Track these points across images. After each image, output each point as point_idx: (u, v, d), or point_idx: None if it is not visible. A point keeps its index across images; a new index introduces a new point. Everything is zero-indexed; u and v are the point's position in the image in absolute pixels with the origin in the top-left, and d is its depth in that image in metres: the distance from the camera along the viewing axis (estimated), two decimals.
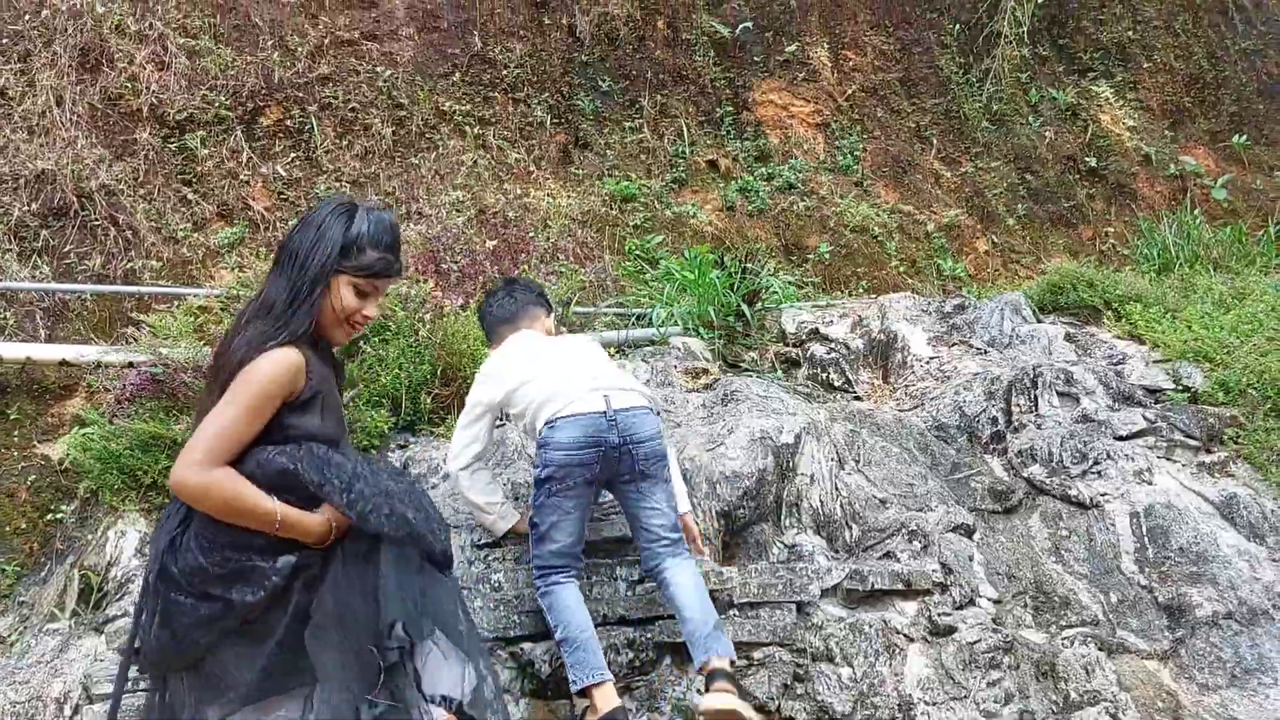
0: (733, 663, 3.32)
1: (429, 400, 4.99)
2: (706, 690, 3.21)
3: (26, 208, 6.21)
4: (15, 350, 5.37)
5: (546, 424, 3.47)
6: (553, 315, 4.09)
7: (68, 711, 3.50)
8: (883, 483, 4.52)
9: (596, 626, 3.60)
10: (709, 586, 3.74)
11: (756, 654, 3.68)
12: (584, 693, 3.29)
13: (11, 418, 5.43)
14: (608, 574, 3.81)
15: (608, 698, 3.24)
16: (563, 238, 7.43)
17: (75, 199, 6.32)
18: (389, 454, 4.81)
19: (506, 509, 3.83)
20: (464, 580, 3.76)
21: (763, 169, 8.61)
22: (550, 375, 3.57)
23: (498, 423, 4.84)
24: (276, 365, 2.29)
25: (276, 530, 2.24)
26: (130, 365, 5.22)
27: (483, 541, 3.94)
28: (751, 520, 4.21)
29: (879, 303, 6.40)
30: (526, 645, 3.51)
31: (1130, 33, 10.18)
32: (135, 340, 5.24)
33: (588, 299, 6.89)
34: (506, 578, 3.75)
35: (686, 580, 3.42)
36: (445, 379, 5.04)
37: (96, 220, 6.35)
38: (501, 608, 3.59)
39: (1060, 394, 4.96)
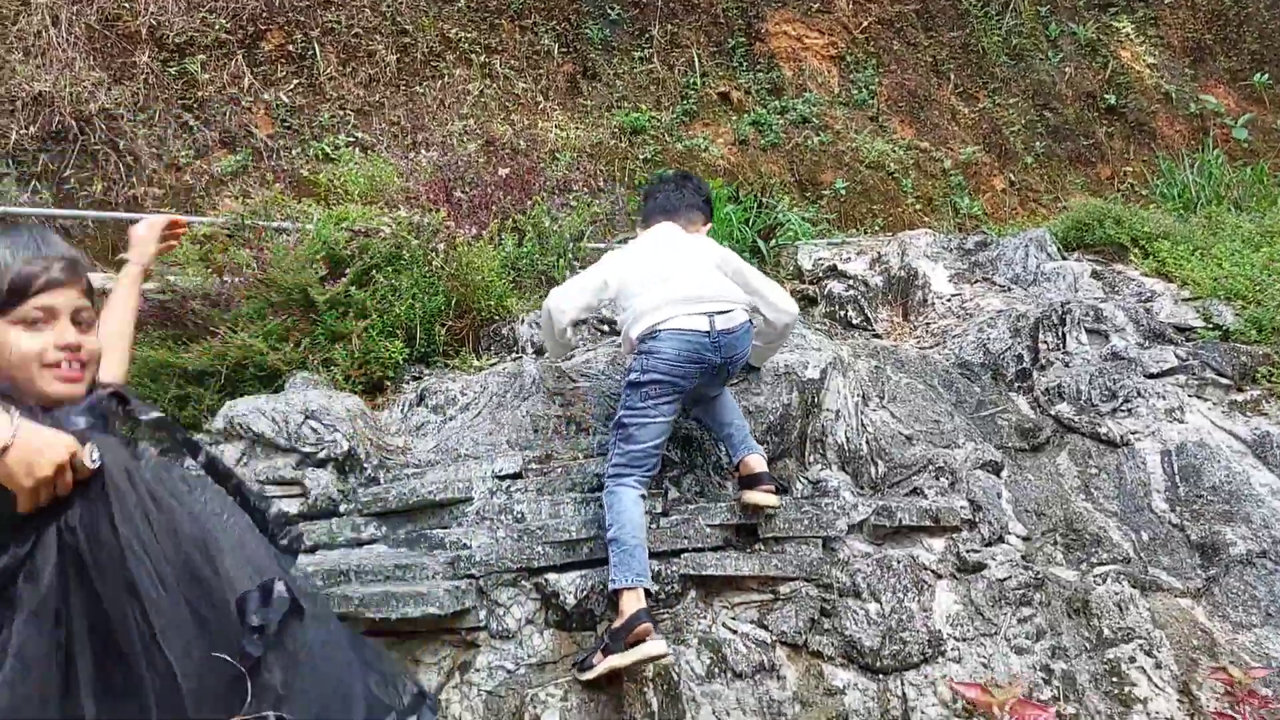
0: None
1: (443, 332, 4.87)
2: (750, 488, 3.63)
3: (24, 130, 6.04)
4: None
5: (650, 333, 3.52)
6: (709, 226, 4.13)
7: None
8: (908, 419, 4.43)
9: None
10: (733, 521, 3.69)
11: (783, 588, 3.61)
12: (616, 595, 3.30)
13: None
14: None
15: (638, 601, 3.25)
16: (572, 170, 7.26)
17: (74, 122, 6.15)
18: (404, 385, 4.70)
19: (567, 349, 4.27)
20: (485, 511, 3.69)
21: (776, 102, 8.42)
22: (662, 284, 3.60)
23: (516, 356, 4.75)
24: None
25: None
26: None
27: (504, 472, 3.85)
28: (775, 456, 4.12)
29: (898, 239, 6.27)
30: (551, 576, 3.43)
31: None
32: None
33: (599, 234, 6.75)
34: (529, 508, 3.66)
35: (726, 399, 3.80)
36: (459, 311, 4.92)
37: (96, 145, 6.18)
38: (525, 538, 3.51)
39: (1089, 331, 4.86)
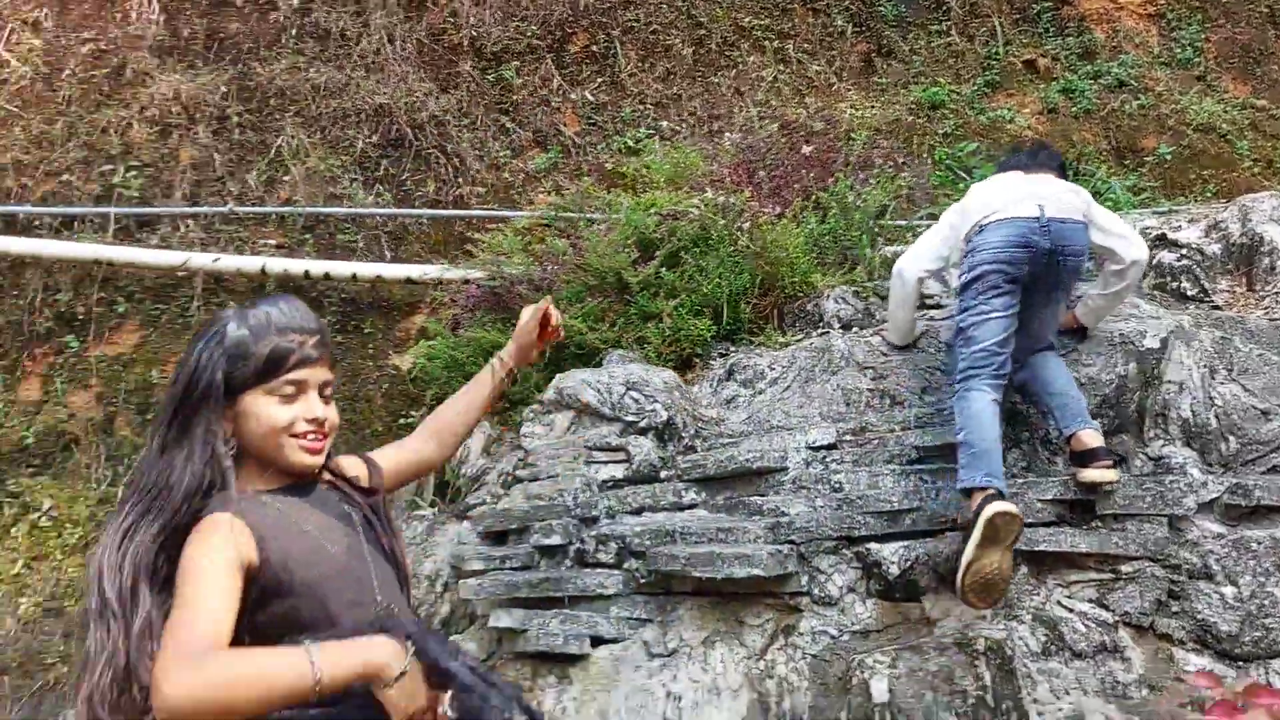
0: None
1: (748, 309, 4.95)
2: (1084, 464, 3.40)
3: (368, 140, 6.71)
4: (367, 269, 5.83)
5: (977, 228, 3.55)
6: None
7: (439, 587, 3.77)
8: (1263, 393, 4.02)
9: (946, 531, 3.47)
10: (1067, 496, 3.51)
11: (1125, 567, 3.39)
12: (967, 495, 3.28)
13: (365, 332, 5.92)
14: (953, 479, 3.61)
15: (992, 501, 3.13)
16: (869, 149, 7.16)
17: (409, 130, 6.75)
18: (712, 361, 4.82)
19: (911, 332, 4.15)
20: (802, 481, 3.71)
21: (1088, 67, 7.90)
22: (994, 190, 3.67)
23: (822, 331, 4.74)
24: (206, 542, 1.63)
25: (318, 689, 1.46)
26: (467, 281, 5.54)
27: (818, 443, 3.87)
28: (1110, 430, 3.86)
29: (1238, 204, 5.69)
30: (873, 546, 3.41)
31: None
32: (472, 256, 5.54)
33: (900, 211, 6.61)
34: (847, 479, 3.65)
35: (1057, 364, 3.63)
36: (764, 288, 4.98)
37: (428, 149, 6.76)
38: (844, 507, 3.50)
39: None
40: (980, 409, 3.37)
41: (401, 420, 5.59)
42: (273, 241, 6.12)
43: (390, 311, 5.95)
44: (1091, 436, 3.45)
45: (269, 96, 6.73)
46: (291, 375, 1.77)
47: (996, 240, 3.47)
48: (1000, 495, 3.18)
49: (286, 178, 6.42)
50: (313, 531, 1.75)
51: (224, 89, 6.66)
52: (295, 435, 1.76)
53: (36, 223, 6.21)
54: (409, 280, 5.77)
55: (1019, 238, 3.44)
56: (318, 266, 5.66)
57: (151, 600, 1.63)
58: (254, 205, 6.24)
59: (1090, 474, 3.43)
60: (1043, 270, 3.48)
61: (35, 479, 5.65)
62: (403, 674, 1.50)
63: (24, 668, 5.10)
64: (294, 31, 7.02)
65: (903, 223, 6.50)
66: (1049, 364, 3.63)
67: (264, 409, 1.74)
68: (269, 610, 1.65)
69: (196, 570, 1.57)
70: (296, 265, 5.69)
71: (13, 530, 5.51)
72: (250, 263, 5.74)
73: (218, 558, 1.59)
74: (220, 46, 6.92)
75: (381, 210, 6.25)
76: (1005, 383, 3.50)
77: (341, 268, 5.70)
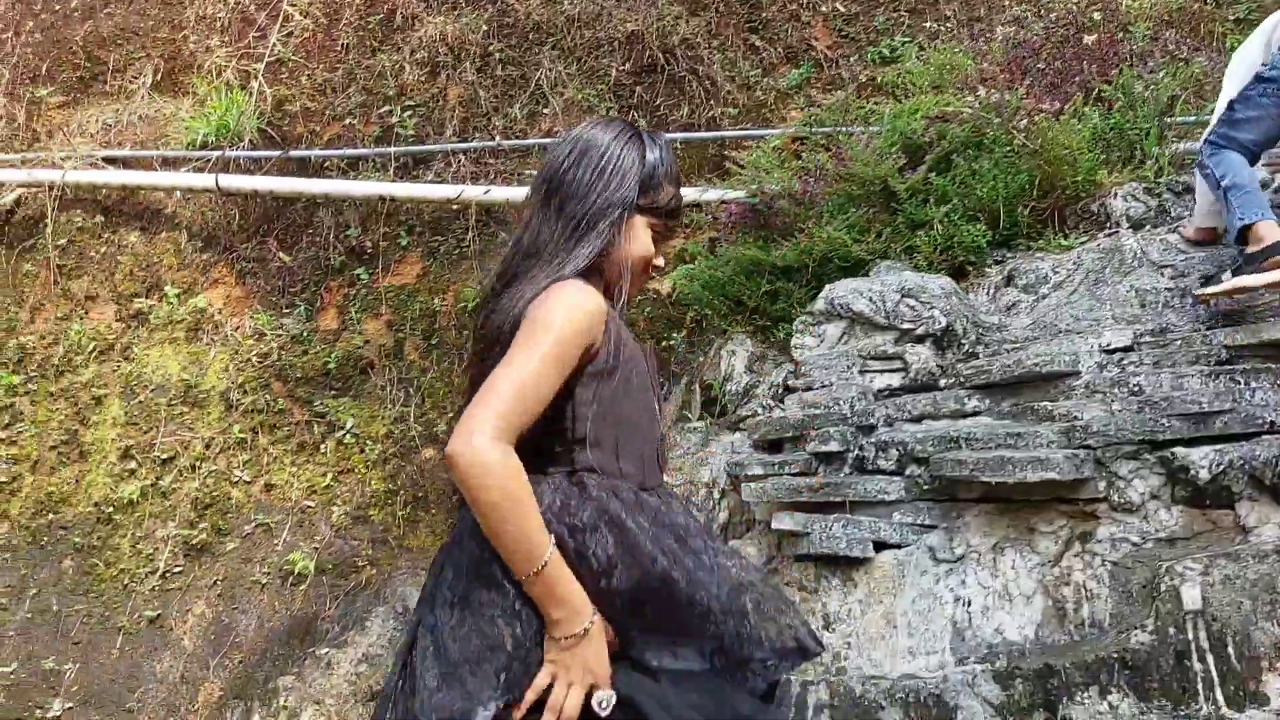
0: None
1: (1026, 213, 4.72)
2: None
3: (622, 67, 6.81)
4: None
5: None
6: None
7: (715, 494, 3.88)
8: None
9: (1263, 434, 3.22)
10: None
11: None
12: (1247, 230, 3.52)
13: None
14: (1270, 379, 3.35)
15: (1274, 231, 3.45)
16: (1150, 41, 6.58)
17: (661, 55, 6.80)
18: (988, 268, 4.64)
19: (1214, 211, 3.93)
20: (1096, 385, 3.54)
21: None
22: None
23: (1111, 231, 4.47)
24: (573, 301, 1.66)
25: (535, 575, 1.52)
26: (724, 201, 5.57)
27: (1113, 345, 3.66)
28: None
29: None
30: (1179, 450, 3.21)
31: None
32: (729, 176, 5.56)
33: (1188, 107, 6.07)
34: (1147, 380, 3.45)
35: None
36: (1043, 190, 4.72)
37: (680, 73, 6.79)
38: (1146, 409, 3.31)
39: None
40: (1236, 159, 3.64)
41: (664, 342, 5.72)
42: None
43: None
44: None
45: (527, 31, 6.95)
46: (671, 221, 1.91)
47: None
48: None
49: (546, 110, 6.64)
50: (635, 349, 1.81)
51: (485, 27, 6.94)
52: (647, 270, 1.88)
53: (326, 165, 6.74)
54: None
55: None
56: None
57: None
58: (518, 138, 6.50)
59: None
60: None
61: (338, 400, 6.20)
62: (583, 632, 1.53)
63: (339, 569, 5.66)
64: None
65: (1192, 118, 5.97)
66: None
67: (645, 236, 1.83)
68: (591, 391, 1.70)
69: (553, 326, 1.61)
70: None
71: (321, 447, 6.08)
72: (518, 193, 5.99)
73: (572, 330, 1.62)
74: None
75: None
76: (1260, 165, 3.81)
77: None
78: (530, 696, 1.52)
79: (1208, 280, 3.70)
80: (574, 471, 1.69)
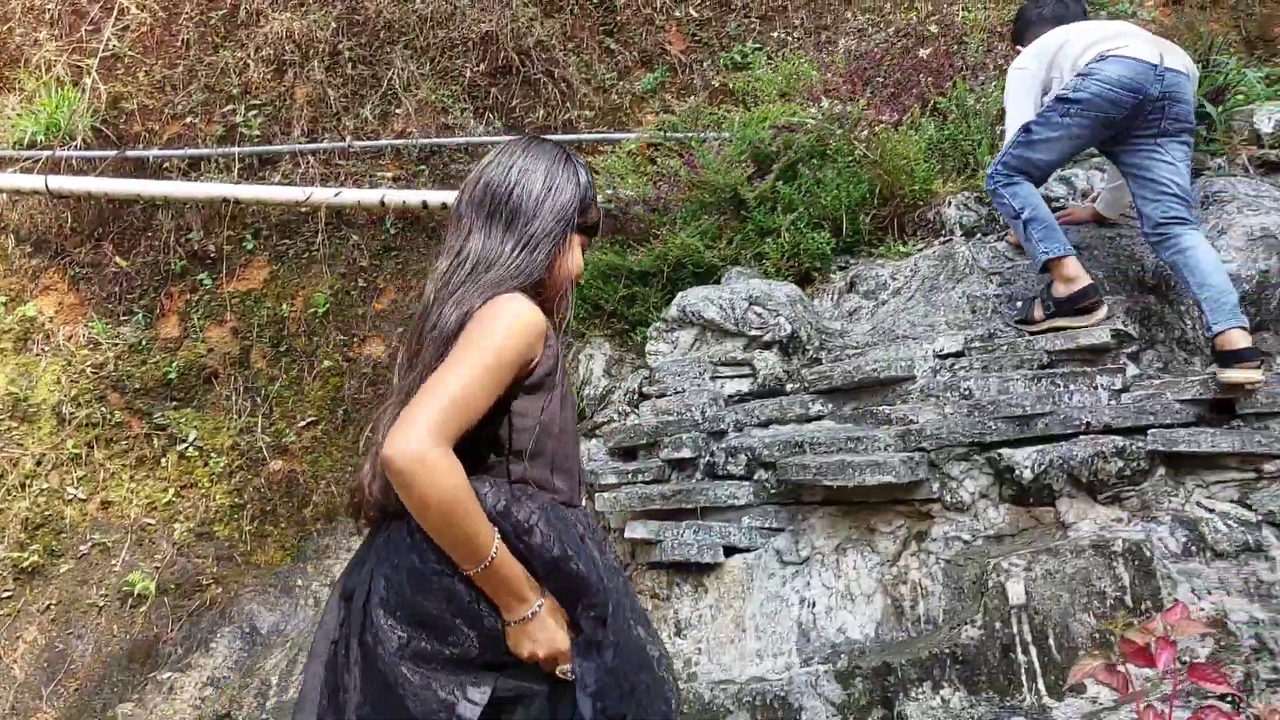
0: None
1: (868, 220, 4.90)
2: (1227, 365, 3.38)
3: (476, 68, 6.75)
4: None
5: (1098, 56, 3.63)
6: None
7: None
8: None
9: (1079, 434, 3.44)
10: (1207, 395, 3.43)
11: (1268, 466, 3.31)
12: (1052, 265, 3.70)
13: None
14: (1086, 383, 3.58)
15: (1080, 270, 3.67)
16: (983, 53, 6.91)
17: (516, 57, 6.77)
18: (832, 274, 4.80)
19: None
20: (930, 389, 3.71)
21: None
22: (1101, 27, 3.85)
23: (945, 239, 4.67)
24: (517, 313, 1.71)
25: (485, 569, 1.60)
26: None
27: (946, 350, 3.84)
28: (1252, 328, 3.75)
29: None
30: (1005, 451, 3.40)
31: None
32: None
33: None
34: (976, 384, 3.63)
35: (1207, 249, 3.53)
36: (883, 198, 4.91)
37: (535, 75, 6.78)
38: (975, 413, 3.49)
39: None
40: (1031, 190, 3.76)
41: None
42: (389, 174, 6.25)
43: None
44: (1240, 337, 3.39)
45: (378, 30, 6.81)
46: (594, 237, 2.04)
47: (1111, 74, 3.57)
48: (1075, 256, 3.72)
49: (399, 110, 6.53)
50: (566, 373, 1.91)
51: (334, 25, 6.77)
52: (576, 284, 1.99)
53: (166, 165, 6.46)
54: None
55: (1131, 80, 3.56)
56: (435, 197, 5.77)
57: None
58: (370, 139, 6.37)
59: (1233, 374, 3.36)
60: (1144, 117, 3.61)
61: (180, 411, 5.96)
62: (532, 615, 1.65)
63: (181, 589, 5.44)
64: None
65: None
66: (1199, 250, 3.51)
67: (578, 252, 1.95)
68: (529, 404, 1.76)
69: (495, 336, 1.67)
70: (414, 196, 5.81)
71: (162, 461, 5.84)
72: (369, 195, 5.88)
73: (514, 342, 1.68)
74: None
75: (493, 138, 6.32)
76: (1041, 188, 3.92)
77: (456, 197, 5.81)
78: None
79: (1024, 306, 3.91)
80: (511, 483, 1.75)
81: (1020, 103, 3.85)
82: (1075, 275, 3.67)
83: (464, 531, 1.57)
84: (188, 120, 6.65)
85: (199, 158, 6.40)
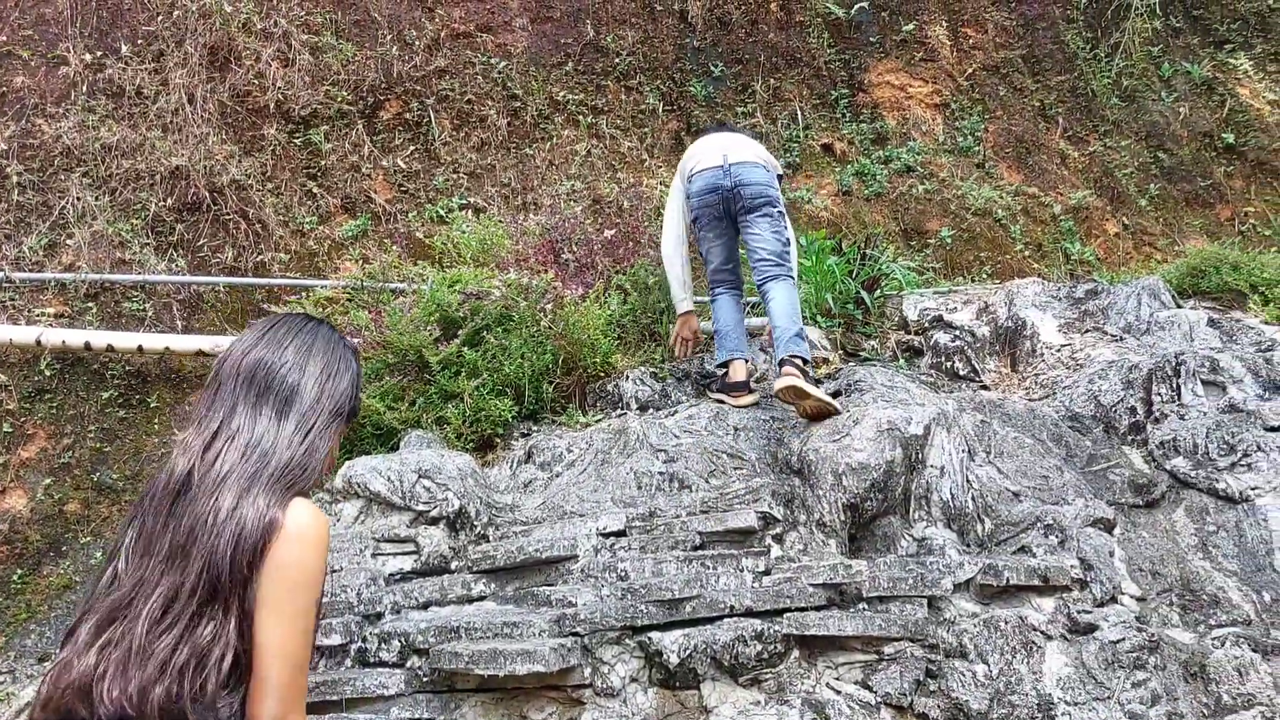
0: (805, 361, 4.41)
1: (551, 389, 5.02)
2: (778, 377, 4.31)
3: (163, 203, 6.46)
4: (155, 341, 5.59)
5: (689, 178, 4.92)
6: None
7: None
8: (1016, 475, 4.37)
9: (724, 618, 3.59)
10: (836, 579, 3.70)
11: (887, 649, 3.59)
12: (726, 365, 4.90)
13: (151, 405, 5.67)
14: (733, 565, 3.77)
15: (741, 371, 4.85)
16: (657, 233, 7.40)
17: (208, 194, 6.55)
18: (513, 442, 4.86)
19: (687, 297, 5.19)
20: (590, 569, 3.78)
21: (880, 152, 8.42)
22: (694, 149, 5.08)
23: (621, 413, 4.84)
24: (323, 539, 1.75)
25: None
26: None
27: (608, 529, 3.94)
28: (879, 513, 4.11)
29: (1006, 288, 6.19)
30: (655, 635, 3.49)
31: (1270, 2, 9.60)
32: None
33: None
34: (633, 566, 3.74)
35: (782, 297, 4.63)
36: (566, 368, 5.07)
37: (228, 215, 6.57)
38: (628, 596, 3.58)
39: (1205, 382, 4.71)
40: (722, 304, 5.01)
41: None
42: (52, 310, 5.78)
43: (180, 384, 5.71)
44: (791, 359, 4.36)
45: (54, 155, 6.39)
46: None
47: (697, 186, 4.85)
48: (742, 359, 4.90)
49: (70, 241, 6.10)
50: None
51: (4, 146, 6.30)
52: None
53: None
54: (201, 352, 5.56)
55: (709, 183, 4.79)
56: (100, 338, 5.38)
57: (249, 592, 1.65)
58: (32, 271, 5.89)
59: (779, 382, 4.23)
60: (732, 202, 4.77)
61: None
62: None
63: None
64: (85, 88, 6.71)
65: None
66: (778, 294, 4.63)
67: (337, 440, 1.94)
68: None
69: (315, 585, 1.71)
70: (76, 336, 5.39)
71: None
72: (24, 333, 5.39)
73: (324, 568, 1.74)
74: (2, 101, 6.55)
75: (172, 277, 6.02)
76: (741, 288, 5.12)
77: (126, 339, 5.44)
78: None
79: (706, 387, 5.11)
80: None
81: (670, 206, 5.26)
82: (734, 372, 4.85)
83: None
84: None
85: None
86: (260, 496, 1.69)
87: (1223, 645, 3.69)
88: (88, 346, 5.40)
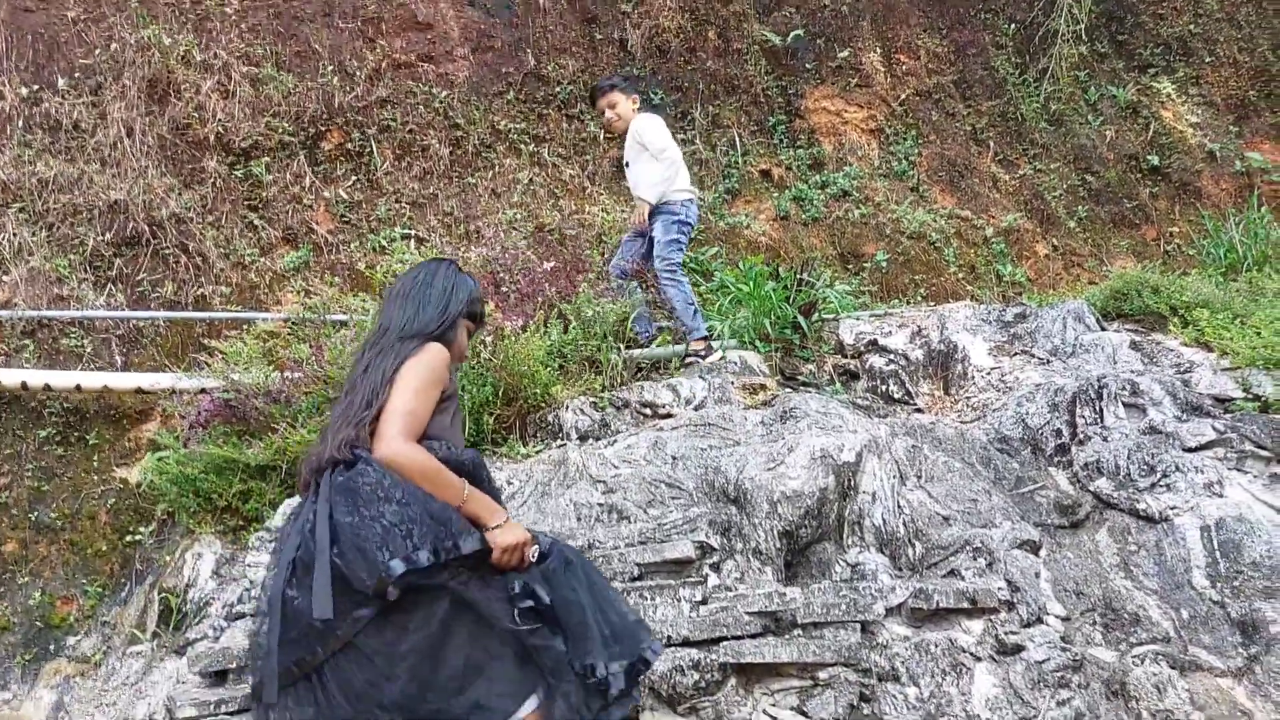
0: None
1: (491, 420, 5.07)
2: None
3: (101, 237, 6.42)
4: (93, 379, 5.55)
5: (686, 190, 6.23)
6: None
7: None
8: (946, 499, 4.50)
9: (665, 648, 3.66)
10: (772, 607, 3.78)
11: (822, 674, 3.68)
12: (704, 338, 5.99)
13: (90, 443, 5.63)
14: (671, 596, 3.84)
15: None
16: (601, 267, 7.48)
17: (147, 228, 6.52)
18: None
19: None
20: None
21: (816, 177, 8.59)
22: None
23: (561, 444, 4.91)
24: (439, 354, 2.75)
25: (465, 501, 2.59)
26: (203, 391, 5.38)
27: None
28: (813, 539, 4.21)
29: (938, 312, 6.36)
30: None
31: (1192, 26, 9.95)
32: (208, 366, 5.40)
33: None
34: None
35: (676, 290, 5.94)
36: (507, 399, 5.12)
37: (167, 248, 6.54)
38: None
39: (1126, 405, 4.89)
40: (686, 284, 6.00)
41: (129, 537, 5.33)
42: None
43: (119, 420, 5.68)
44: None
45: None
46: (479, 325, 3.14)
47: (695, 213, 6.30)
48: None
49: (7, 278, 6.04)
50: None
51: None
52: (463, 355, 3.07)
53: None
54: (139, 390, 5.53)
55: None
56: (36, 377, 5.33)
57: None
58: None
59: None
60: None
61: None
62: (505, 521, 2.65)
63: None
64: (21, 122, 6.66)
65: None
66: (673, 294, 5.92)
67: (464, 333, 3.00)
68: (439, 418, 2.76)
69: (428, 374, 2.71)
70: (11, 376, 5.34)
71: None
72: None
73: (439, 373, 2.75)
74: None
75: (111, 313, 5.98)
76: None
77: (63, 378, 5.39)
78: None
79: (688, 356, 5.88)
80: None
81: (669, 143, 6.13)
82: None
83: (446, 485, 2.58)
84: None
85: None
86: (404, 348, 2.74)
87: (1143, 663, 3.83)
88: (24, 386, 5.35)
